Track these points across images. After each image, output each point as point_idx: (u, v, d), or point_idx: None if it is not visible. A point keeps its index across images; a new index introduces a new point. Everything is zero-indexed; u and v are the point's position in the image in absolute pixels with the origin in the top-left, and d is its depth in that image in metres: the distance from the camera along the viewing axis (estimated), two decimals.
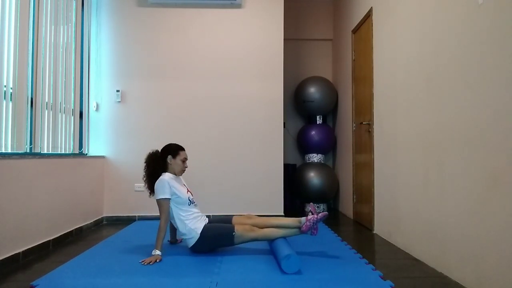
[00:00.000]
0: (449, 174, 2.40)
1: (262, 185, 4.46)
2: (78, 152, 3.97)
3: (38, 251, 2.91)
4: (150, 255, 2.65)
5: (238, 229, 2.71)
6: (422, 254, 2.73)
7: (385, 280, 2.24)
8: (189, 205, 2.82)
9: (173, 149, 2.90)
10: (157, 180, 2.79)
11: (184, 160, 2.92)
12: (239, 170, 4.45)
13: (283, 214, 4.43)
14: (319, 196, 4.96)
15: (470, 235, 2.17)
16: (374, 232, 3.70)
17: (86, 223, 3.83)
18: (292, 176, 5.20)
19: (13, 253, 2.61)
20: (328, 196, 5.02)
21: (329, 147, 5.20)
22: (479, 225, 2.10)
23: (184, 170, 2.94)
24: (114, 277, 2.29)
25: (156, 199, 2.75)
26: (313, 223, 2.69)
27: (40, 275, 2.34)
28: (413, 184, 2.89)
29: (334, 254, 2.81)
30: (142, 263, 2.54)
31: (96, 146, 4.34)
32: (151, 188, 2.84)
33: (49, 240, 3.08)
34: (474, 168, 2.15)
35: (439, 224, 2.51)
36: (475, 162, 2.14)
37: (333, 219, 4.48)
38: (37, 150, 3.14)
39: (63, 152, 3.61)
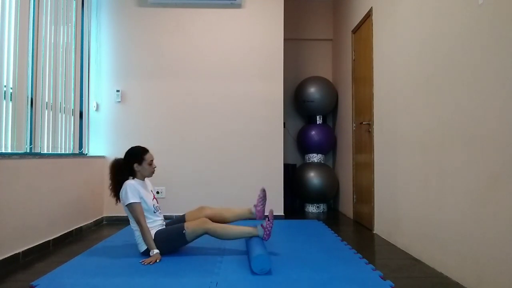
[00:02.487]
0: (449, 174, 2.40)
1: (262, 185, 4.45)
2: (78, 152, 3.97)
3: (38, 251, 2.91)
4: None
5: (188, 227, 2.68)
6: (422, 254, 2.73)
7: (385, 280, 2.24)
8: (154, 212, 2.79)
9: (137, 155, 2.83)
10: (124, 185, 2.72)
11: (151, 163, 2.86)
12: (239, 170, 4.45)
13: (283, 214, 4.43)
14: (319, 196, 4.96)
15: (470, 235, 2.17)
16: (374, 232, 3.70)
17: (86, 223, 3.83)
18: (292, 176, 5.19)
19: (13, 253, 2.62)
20: (328, 196, 5.02)
21: (329, 147, 5.20)
22: (479, 225, 2.10)
23: (154, 171, 2.90)
24: (114, 277, 2.29)
25: (127, 204, 2.68)
26: (271, 229, 2.71)
27: (40, 275, 2.34)
28: (413, 184, 2.89)
29: (334, 254, 2.81)
30: (142, 263, 2.54)
31: (96, 146, 4.34)
32: (118, 196, 2.80)
33: (49, 240, 3.08)
34: (474, 168, 2.15)
35: (439, 224, 2.51)
36: (475, 162, 2.14)
37: (333, 219, 4.48)
38: (37, 150, 3.14)
39: (63, 152, 3.61)
